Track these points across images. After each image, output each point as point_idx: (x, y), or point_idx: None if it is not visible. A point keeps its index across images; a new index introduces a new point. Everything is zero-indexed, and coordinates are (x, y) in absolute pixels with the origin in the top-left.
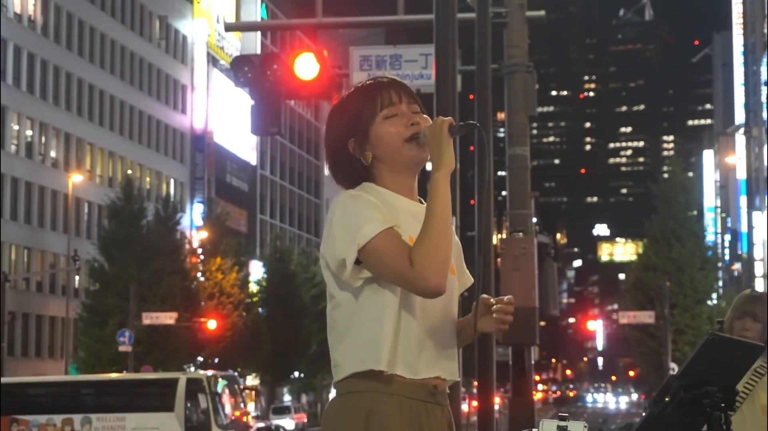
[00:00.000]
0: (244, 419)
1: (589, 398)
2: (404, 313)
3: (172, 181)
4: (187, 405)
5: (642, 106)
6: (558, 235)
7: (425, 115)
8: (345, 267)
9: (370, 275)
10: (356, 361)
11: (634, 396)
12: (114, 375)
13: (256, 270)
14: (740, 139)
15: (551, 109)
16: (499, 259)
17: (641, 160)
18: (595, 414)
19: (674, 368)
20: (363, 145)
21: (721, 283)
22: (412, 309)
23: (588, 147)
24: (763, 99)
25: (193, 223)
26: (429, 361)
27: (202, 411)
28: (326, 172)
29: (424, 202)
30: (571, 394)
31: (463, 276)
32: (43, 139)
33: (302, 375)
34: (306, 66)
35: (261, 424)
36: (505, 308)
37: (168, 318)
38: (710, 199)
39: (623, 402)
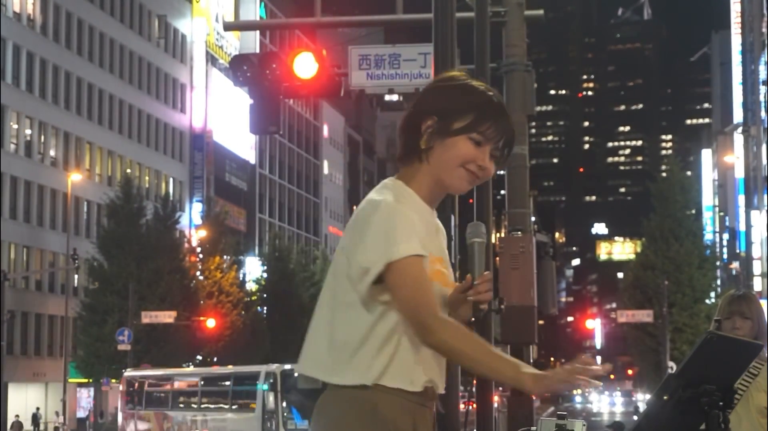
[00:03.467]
0: None
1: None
2: (407, 328)
3: (171, 180)
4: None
5: (640, 105)
6: (556, 234)
7: (493, 164)
8: (366, 276)
9: (386, 300)
10: (362, 372)
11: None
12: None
13: (255, 268)
14: (738, 138)
15: (550, 108)
16: (497, 258)
17: (639, 158)
18: (574, 415)
19: (672, 366)
20: (435, 131)
21: (719, 282)
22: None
23: (586, 146)
24: (762, 98)
25: (192, 222)
26: (425, 372)
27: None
28: (325, 171)
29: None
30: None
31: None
32: (43, 138)
33: None
34: (305, 65)
35: None
36: (479, 289)
37: (167, 316)
38: (708, 197)
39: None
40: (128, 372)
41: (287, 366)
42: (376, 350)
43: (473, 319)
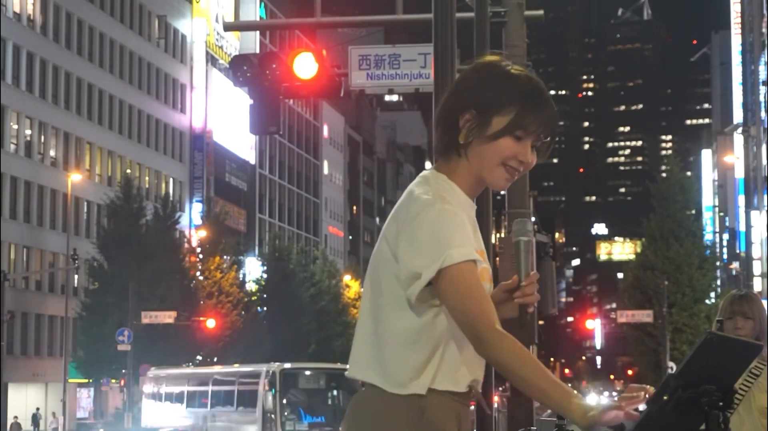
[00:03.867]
0: None
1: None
2: (455, 331)
3: (171, 180)
4: None
5: (640, 106)
6: (556, 234)
7: (535, 155)
8: (418, 281)
9: (438, 304)
10: (411, 376)
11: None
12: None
13: (255, 269)
14: (738, 138)
15: None
16: (497, 259)
17: (639, 159)
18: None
19: (672, 367)
20: (474, 125)
21: (719, 282)
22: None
23: (586, 146)
24: (761, 98)
25: (192, 222)
26: (469, 372)
27: None
28: (325, 171)
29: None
30: None
31: None
32: (42, 138)
33: None
34: (305, 65)
35: None
36: (526, 291)
37: (167, 317)
38: (708, 198)
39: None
40: (152, 371)
41: (287, 365)
42: (426, 353)
43: (522, 325)
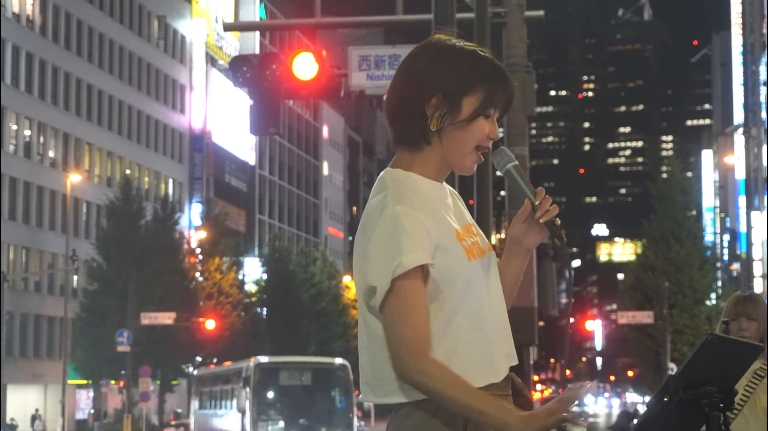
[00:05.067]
0: None
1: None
2: (471, 322)
3: (170, 181)
4: None
5: (641, 106)
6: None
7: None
8: (376, 295)
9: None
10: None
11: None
12: None
13: (255, 270)
14: (739, 139)
15: (550, 109)
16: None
17: (640, 160)
18: None
19: (673, 368)
20: (444, 111)
21: (720, 283)
22: (475, 317)
23: (587, 147)
24: (762, 99)
25: (192, 223)
26: (505, 358)
27: None
28: (325, 172)
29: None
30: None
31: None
32: (42, 138)
33: None
34: (305, 66)
35: None
36: (543, 206)
37: (167, 318)
38: (709, 199)
39: (615, 405)
40: (199, 371)
41: (263, 359)
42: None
43: (557, 242)
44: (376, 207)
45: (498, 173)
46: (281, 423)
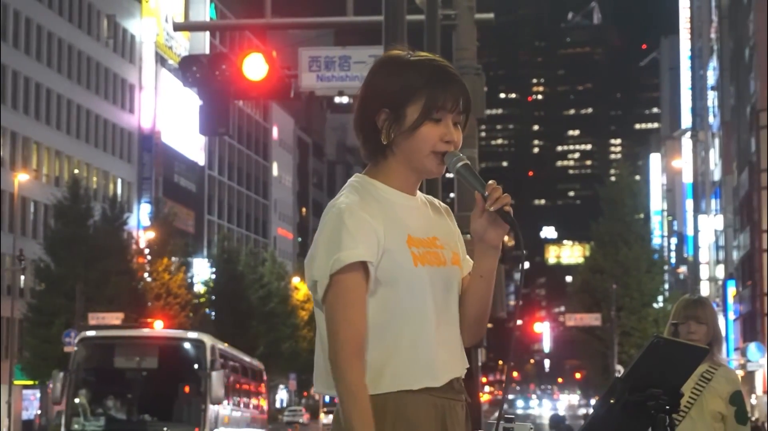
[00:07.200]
0: None
1: (519, 403)
2: (412, 325)
3: (119, 181)
4: None
5: (590, 110)
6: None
7: (459, 131)
8: (319, 289)
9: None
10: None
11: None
12: None
13: (204, 270)
14: (687, 142)
15: (500, 111)
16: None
17: (589, 163)
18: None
19: (620, 370)
20: (392, 123)
21: (667, 286)
22: (417, 322)
23: (536, 149)
24: (710, 103)
25: (141, 223)
26: (446, 365)
27: None
28: (274, 172)
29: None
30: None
31: (465, 261)
32: None
33: None
34: (255, 66)
35: None
36: (494, 196)
37: (114, 318)
38: (657, 202)
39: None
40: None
41: (89, 333)
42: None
43: (511, 225)
44: (330, 206)
45: (449, 175)
46: (102, 421)
